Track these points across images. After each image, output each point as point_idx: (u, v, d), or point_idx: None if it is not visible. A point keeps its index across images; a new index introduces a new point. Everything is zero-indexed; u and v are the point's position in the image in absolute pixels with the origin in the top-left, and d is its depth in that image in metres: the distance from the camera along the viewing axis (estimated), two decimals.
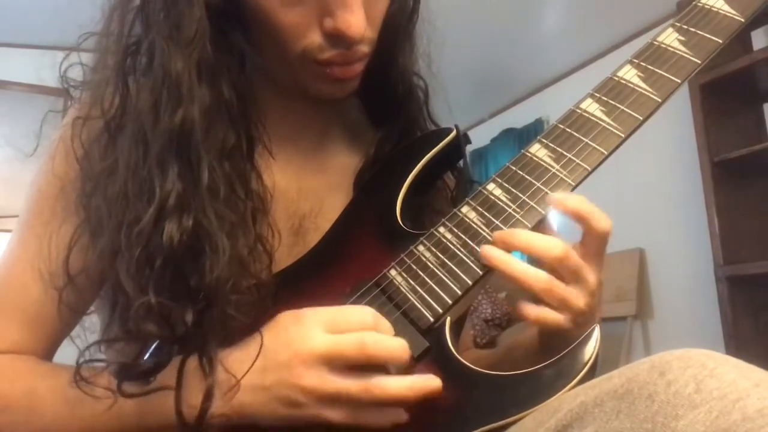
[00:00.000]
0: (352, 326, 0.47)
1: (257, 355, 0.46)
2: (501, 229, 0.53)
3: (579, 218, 0.51)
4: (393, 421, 0.46)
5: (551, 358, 0.47)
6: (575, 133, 0.56)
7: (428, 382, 0.46)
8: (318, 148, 0.66)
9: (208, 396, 0.45)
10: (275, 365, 0.46)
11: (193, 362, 0.46)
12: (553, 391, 0.44)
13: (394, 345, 0.46)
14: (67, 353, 0.56)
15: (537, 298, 0.50)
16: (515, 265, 0.50)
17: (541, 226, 0.53)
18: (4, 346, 0.55)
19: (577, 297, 0.50)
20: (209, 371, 0.45)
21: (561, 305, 0.50)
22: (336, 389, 0.45)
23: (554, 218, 0.53)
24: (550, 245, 0.50)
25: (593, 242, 0.51)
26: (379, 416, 0.46)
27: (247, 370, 0.46)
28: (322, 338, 0.46)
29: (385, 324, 0.48)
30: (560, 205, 0.52)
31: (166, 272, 0.47)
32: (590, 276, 0.51)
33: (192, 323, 0.46)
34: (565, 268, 0.50)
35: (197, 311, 0.46)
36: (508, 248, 0.51)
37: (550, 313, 0.50)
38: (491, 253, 0.51)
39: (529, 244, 0.50)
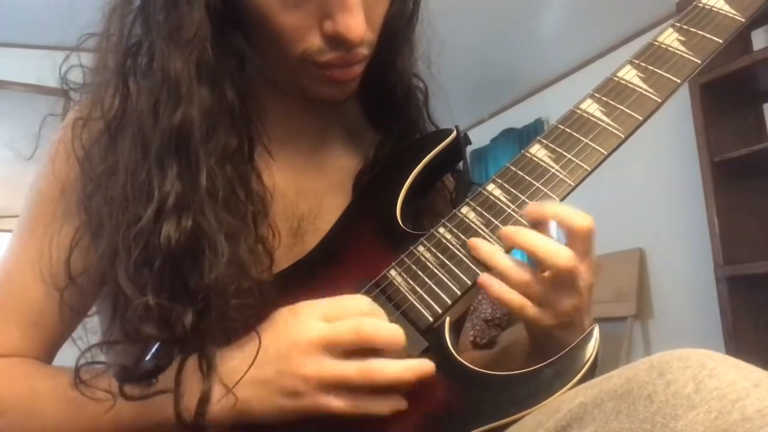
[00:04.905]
0: (347, 313, 0.48)
1: (255, 356, 0.46)
2: (500, 229, 0.53)
3: (557, 221, 0.51)
4: (392, 410, 0.47)
5: (543, 360, 0.47)
6: (575, 134, 0.56)
7: (422, 364, 0.47)
8: (317, 149, 0.66)
9: (203, 400, 0.45)
10: (274, 357, 0.46)
11: (192, 364, 0.46)
12: (553, 391, 0.44)
13: (389, 328, 0.47)
14: (68, 355, 0.56)
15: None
16: (499, 258, 0.51)
17: (539, 228, 0.53)
18: (4, 349, 0.55)
19: (560, 296, 0.50)
20: (207, 373, 0.45)
21: (542, 302, 0.50)
22: (335, 374, 0.45)
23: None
24: (560, 254, 0.50)
25: (578, 242, 0.51)
26: (378, 405, 0.46)
27: (244, 374, 0.46)
28: (319, 326, 0.47)
29: (380, 311, 0.49)
30: (536, 213, 0.52)
31: (164, 273, 0.47)
32: (580, 277, 0.51)
33: (191, 325, 0.46)
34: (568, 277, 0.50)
35: (196, 312, 0.46)
36: (511, 246, 0.52)
37: (527, 305, 0.50)
38: (477, 243, 0.52)
39: (530, 245, 0.51)
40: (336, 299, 0.49)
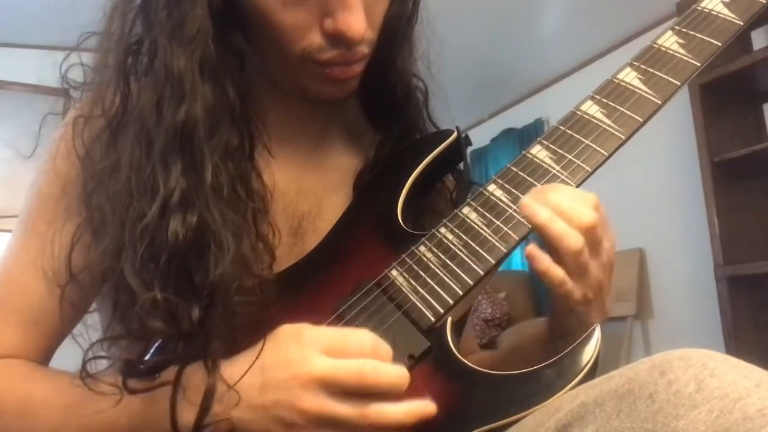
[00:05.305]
0: (351, 351, 0.46)
1: (253, 362, 0.46)
2: (502, 229, 0.53)
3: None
4: None
5: (563, 342, 0.47)
6: (576, 135, 0.56)
7: (424, 407, 0.46)
8: (317, 149, 0.66)
9: (208, 395, 0.45)
10: (274, 385, 0.46)
11: (194, 364, 0.46)
12: (554, 391, 0.44)
13: (393, 374, 0.46)
14: (67, 353, 0.56)
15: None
16: (557, 223, 0.49)
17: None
18: (3, 349, 0.55)
19: (595, 268, 0.50)
20: (211, 369, 0.45)
21: (582, 273, 0.49)
22: (332, 413, 0.45)
23: None
24: (582, 212, 0.49)
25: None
26: None
27: (242, 375, 0.46)
28: (321, 362, 0.45)
29: (385, 349, 0.48)
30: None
31: (171, 268, 0.47)
32: (605, 251, 0.51)
33: (198, 319, 0.46)
34: (590, 238, 0.49)
35: (202, 308, 0.46)
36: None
37: (567, 279, 0.49)
38: (532, 209, 0.50)
39: (560, 205, 0.50)
40: (341, 333, 0.48)
